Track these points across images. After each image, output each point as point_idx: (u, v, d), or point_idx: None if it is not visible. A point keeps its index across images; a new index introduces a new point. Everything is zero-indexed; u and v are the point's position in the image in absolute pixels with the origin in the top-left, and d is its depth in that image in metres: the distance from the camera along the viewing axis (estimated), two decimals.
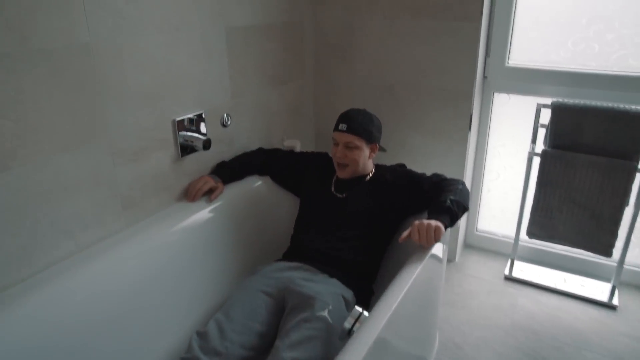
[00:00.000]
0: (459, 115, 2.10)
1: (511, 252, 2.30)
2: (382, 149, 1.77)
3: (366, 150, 1.68)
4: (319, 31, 2.30)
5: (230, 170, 1.85)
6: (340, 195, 1.72)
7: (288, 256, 1.67)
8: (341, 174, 1.71)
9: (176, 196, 1.70)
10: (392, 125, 2.26)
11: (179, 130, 1.65)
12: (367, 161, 1.71)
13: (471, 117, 2.09)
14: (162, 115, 1.58)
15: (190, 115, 1.68)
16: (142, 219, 1.58)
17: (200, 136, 1.68)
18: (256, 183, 1.92)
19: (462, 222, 2.39)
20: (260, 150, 2.00)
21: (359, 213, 1.66)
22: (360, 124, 1.66)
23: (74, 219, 1.36)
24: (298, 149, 2.11)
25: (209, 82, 1.75)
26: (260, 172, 1.96)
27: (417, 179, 1.68)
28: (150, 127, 1.55)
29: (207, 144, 1.67)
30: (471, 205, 2.44)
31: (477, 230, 2.49)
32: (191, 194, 1.70)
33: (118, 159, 1.46)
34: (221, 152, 1.87)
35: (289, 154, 1.98)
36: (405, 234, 1.43)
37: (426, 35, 2.06)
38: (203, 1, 1.65)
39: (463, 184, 1.62)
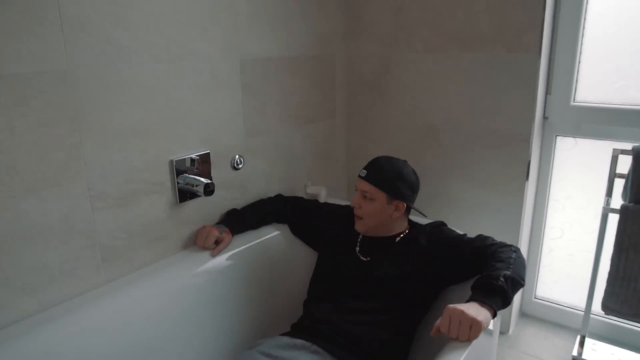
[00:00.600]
0: (514, 162, 1.78)
1: (581, 326, 1.88)
2: (417, 211, 1.49)
3: (386, 207, 1.40)
4: (352, 67, 2.08)
5: (240, 219, 1.61)
6: (365, 258, 1.43)
7: (296, 329, 1.38)
8: (356, 226, 1.46)
9: (171, 248, 1.48)
10: (434, 173, 1.96)
11: (178, 173, 1.44)
12: (388, 220, 1.43)
13: (529, 165, 1.75)
14: (157, 155, 1.38)
15: (193, 156, 1.48)
16: (127, 274, 1.36)
17: (203, 180, 1.46)
18: (271, 234, 1.67)
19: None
20: (278, 197, 1.76)
21: (385, 281, 1.36)
22: (383, 174, 1.40)
23: (36, 272, 1.16)
24: (323, 197, 1.85)
25: (218, 119, 1.55)
26: (278, 222, 1.71)
27: (456, 244, 1.37)
28: (141, 168, 1.35)
29: (209, 189, 1.44)
30: (529, 268, 2.05)
31: (535, 297, 2.08)
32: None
33: (98, 203, 1.26)
34: (232, 198, 1.65)
35: (313, 204, 1.72)
36: (436, 324, 1.11)
37: (475, 69, 1.78)
38: (213, 28, 1.47)
39: (517, 251, 1.29)
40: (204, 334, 1.44)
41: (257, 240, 1.62)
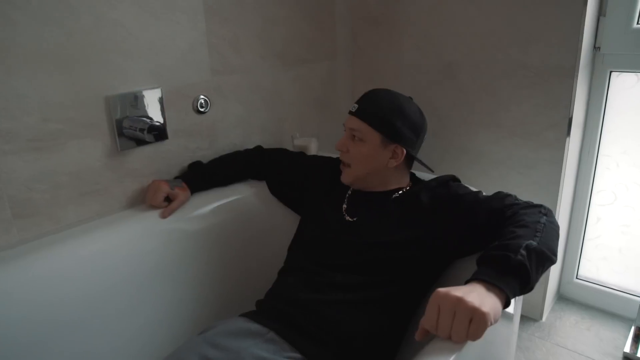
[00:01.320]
0: (553, 106, 1.40)
1: (636, 316, 1.50)
2: (419, 162, 1.18)
3: (380, 151, 1.11)
4: None
5: (204, 173, 1.34)
6: (351, 219, 1.13)
7: (259, 307, 1.10)
8: (342, 176, 1.18)
9: (113, 205, 1.22)
10: (452, 120, 1.61)
11: (118, 112, 1.17)
12: (382, 169, 1.13)
13: (572, 109, 1.37)
14: (87, 89, 1.12)
15: (137, 92, 1.20)
16: (51, 233, 1.11)
17: (149, 120, 1.19)
18: (243, 193, 1.39)
19: (555, 264, 1.63)
20: (257, 149, 1.46)
21: (373, 247, 1.06)
22: (379, 109, 1.10)
23: None
24: (313, 150, 1.54)
25: (172, 50, 1.26)
26: (255, 178, 1.43)
27: (467, 204, 1.04)
28: (64, 104, 1.08)
29: (155, 132, 1.17)
30: (571, 241, 1.67)
31: (577, 277, 1.70)
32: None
33: (3, 145, 1.00)
34: (196, 148, 1.37)
35: (297, 156, 1.42)
36: (422, 322, 0.77)
37: None
38: None
39: (548, 213, 0.95)
40: (151, 313, 1.19)
41: (225, 200, 1.34)
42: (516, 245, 0.82)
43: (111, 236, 1.15)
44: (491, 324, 0.73)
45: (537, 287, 1.52)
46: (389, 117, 1.10)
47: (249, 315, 1.06)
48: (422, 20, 1.59)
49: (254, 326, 1.01)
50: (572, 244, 1.66)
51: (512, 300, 0.80)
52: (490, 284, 0.77)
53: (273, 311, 1.05)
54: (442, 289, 0.76)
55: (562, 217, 1.55)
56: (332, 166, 1.31)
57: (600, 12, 1.38)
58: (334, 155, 1.38)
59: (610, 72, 1.44)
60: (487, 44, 1.46)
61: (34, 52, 1.02)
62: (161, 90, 1.24)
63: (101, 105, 1.15)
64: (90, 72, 1.11)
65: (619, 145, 1.51)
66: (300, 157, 1.41)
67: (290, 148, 1.54)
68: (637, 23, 1.34)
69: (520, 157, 1.49)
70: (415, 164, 1.18)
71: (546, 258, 0.84)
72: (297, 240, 1.24)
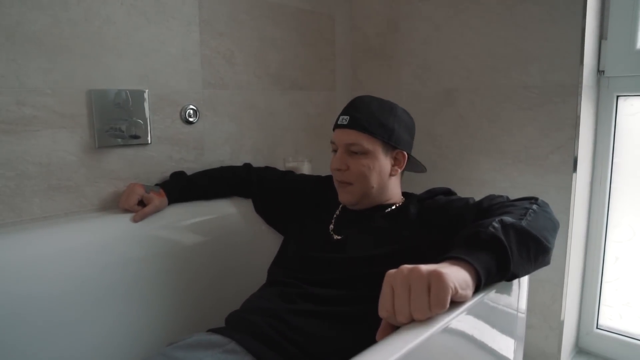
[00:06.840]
0: (558, 127, 1.33)
1: None
2: (417, 165, 1.12)
3: (383, 160, 1.03)
4: (356, 29, 1.74)
5: (185, 183, 1.26)
6: (338, 237, 1.04)
7: (227, 321, 0.98)
8: (343, 197, 1.06)
9: (83, 204, 1.15)
10: (452, 150, 1.54)
11: (99, 108, 1.13)
12: (386, 180, 1.05)
13: (578, 128, 1.30)
14: (69, 79, 1.09)
15: (122, 91, 1.17)
16: (13, 224, 1.03)
17: (135, 119, 1.15)
18: (226, 210, 1.31)
19: (571, 311, 1.46)
20: (245, 166, 1.40)
21: (356, 262, 0.96)
22: (372, 115, 1.03)
23: None
24: (306, 172, 1.47)
25: (163, 55, 1.25)
26: (240, 195, 1.35)
27: (457, 211, 0.96)
28: (43, 91, 1.06)
29: (136, 134, 1.13)
30: (588, 283, 1.51)
31: (598, 327, 1.52)
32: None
33: None
34: (180, 158, 1.32)
35: (284, 175, 1.34)
36: (379, 314, 0.66)
37: (498, 8, 1.39)
38: None
39: (541, 203, 0.86)
40: (113, 323, 1.07)
41: (207, 216, 1.27)
42: (489, 222, 0.72)
43: (79, 236, 1.07)
44: (457, 293, 0.62)
45: (551, 337, 1.36)
46: (386, 121, 1.03)
47: (214, 330, 0.94)
48: (420, 49, 1.58)
49: (215, 337, 0.89)
50: (589, 288, 1.50)
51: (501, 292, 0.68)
52: (456, 259, 0.67)
53: (238, 322, 0.94)
54: (392, 270, 0.65)
55: (575, 256, 1.41)
56: (320, 185, 1.24)
57: (602, 35, 1.35)
58: (323, 174, 1.31)
59: (617, 96, 1.37)
60: (486, 67, 1.43)
61: (17, 34, 1.01)
62: (148, 93, 1.22)
63: (82, 97, 1.12)
64: (74, 63, 1.10)
65: (636, 173, 1.40)
66: (288, 176, 1.34)
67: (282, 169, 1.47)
68: (638, 44, 1.30)
69: (526, 184, 1.40)
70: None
71: (531, 238, 0.73)
72: (277, 259, 1.13)
